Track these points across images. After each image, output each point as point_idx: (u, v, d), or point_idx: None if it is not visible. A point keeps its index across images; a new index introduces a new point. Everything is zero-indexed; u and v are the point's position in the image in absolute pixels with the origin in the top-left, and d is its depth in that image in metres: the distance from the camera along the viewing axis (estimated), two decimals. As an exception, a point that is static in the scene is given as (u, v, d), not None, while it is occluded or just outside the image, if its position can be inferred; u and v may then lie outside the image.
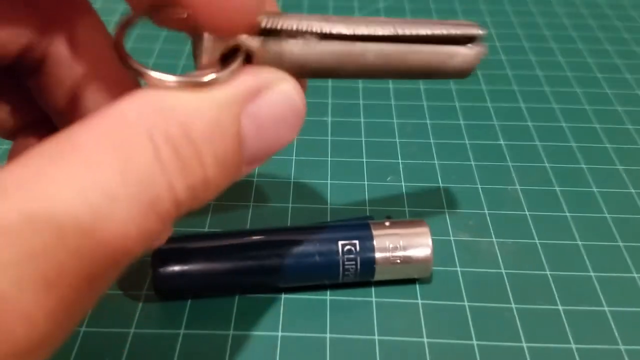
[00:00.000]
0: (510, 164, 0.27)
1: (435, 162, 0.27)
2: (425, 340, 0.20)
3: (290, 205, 0.24)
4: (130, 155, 0.10)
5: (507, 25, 0.37)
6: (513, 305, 0.21)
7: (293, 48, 0.13)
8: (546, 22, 0.38)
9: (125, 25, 0.13)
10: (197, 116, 0.11)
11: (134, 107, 0.11)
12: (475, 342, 0.20)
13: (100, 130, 0.10)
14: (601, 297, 0.21)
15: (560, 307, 0.21)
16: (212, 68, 0.12)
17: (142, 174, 0.10)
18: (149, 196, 0.10)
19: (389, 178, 0.26)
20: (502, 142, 0.28)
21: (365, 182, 0.26)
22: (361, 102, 0.30)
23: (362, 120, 0.29)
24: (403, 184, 0.26)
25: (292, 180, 0.26)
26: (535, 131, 0.29)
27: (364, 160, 0.27)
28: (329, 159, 0.27)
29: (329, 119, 0.29)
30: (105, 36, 0.15)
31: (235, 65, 0.13)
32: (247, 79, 0.12)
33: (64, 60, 0.15)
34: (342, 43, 0.14)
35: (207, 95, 0.12)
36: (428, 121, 0.29)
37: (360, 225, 0.21)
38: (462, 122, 0.29)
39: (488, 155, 0.27)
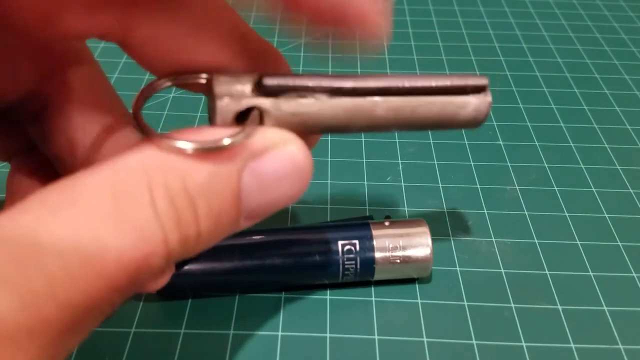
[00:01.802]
0: (509, 164, 0.27)
1: (435, 162, 0.27)
2: (424, 339, 0.20)
3: (290, 205, 0.24)
4: (129, 208, 0.10)
5: (505, 26, 0.37)
6: (512, 305, 0.21)
7: (305, 106, 0.14)
8: (545, 23, 0.38)
9: (145, 92, 0.14)
10: (198, 170, 0.11)
11: (137, 159, 0.11)
12: (474, 342, 0.20)
13: (102, 181, 0.11)
14: (600, 296, 0.21)
15: (559, 307, 0.21)
16: (226, 128, 0.12)
17: (137, 223, 0.10)
18: (142, 247, 0.10)
19: (388, 178, 0.26)
20: (501, 142, 0.28)
21: (365, 182, 0.26)
22: (361, 102, 0.30)
23: (361, 120, 0.29)
24: (403, 184, 0.26)
25: (292, 180, 0.26)
26: (534, 131, 0.29)
27: (364, 160, 0.27)
28: (329, 159, 0.27)
29: (329, 119, 0.29)
30: (106, 85, 0.16)
31: (250, 129, 0.13)
32: (255, 139, 0.13)
33: (65, 108, 0.15)
34: (352, 99, 0.14)
35: (213, 156, 0.12)
36: (427, 121, 0.29)
37: (360, 225, 0.21)
38: (461, 122, 0.29)
39: (487, 156, 0.27)
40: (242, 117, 0.13)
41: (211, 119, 0.13)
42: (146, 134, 0.12)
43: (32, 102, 0.15)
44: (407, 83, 0.14)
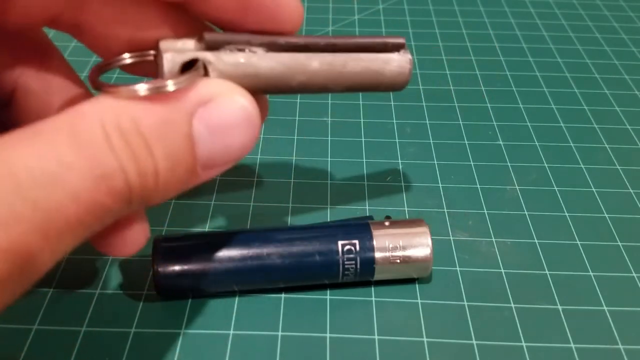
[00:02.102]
0: (509, 164, 0.27)
1: (435, 162, 0.27)
2: (424, 339, 0.20)
3: (290, 205, 0.24)
4: (84, 138, 0.12)
5: (505, 26, 0.37)
6: (512, 305, 0.21)
7: (244, 58, 0.15)
8: (545, 23, 0.38)
9: (101, 65, 0.15)
10: (148, 114, 0.13)
11: (90, 105, 0.12)
12: (474, 342, 0.20)
13: (59, 121, 0.12)
14: (600, 296, 0.21)
15: (559, 307, 0.21)
16: (173, 78, 0.13)
17: (93, 152, 0.12)
18: (99, 170, 0.12)
19: (388, 178, 0.26)
20: (501, 142, 0.28)
21: (365, 182, 0.26)
22: (361, 102, 0.30)
23: (362, 120, 0.29)
24: (403, 184, 0.26)
25: (292, 180, 0.26)
26: (534, 131, 0.29)
27: (364, 160, 0.27)
28: (329, 159, 0.27)
29: (329, 119, 0.29)
30: (74, 74, 0.17)
31: (193, 72, 0.14)
32: (200, 86, 0.14)
33: (32, 92, 0.16)
34: (288, 54, 0.16)
35: (162, 101, 0.13)
36: (427, 121, 0.29)
37: (360, 225, 0.21)
38: (461, 122, 0.29)
39: (487, 156, 0.27)
40: (187, 70, 0.14)
41: (159, 72, 0.15)
42: (100, 87, 0.13)
43: (1, 87, 0.16)
44: (335, 40, 0.16)
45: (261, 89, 0.16)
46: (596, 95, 0.32)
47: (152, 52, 0.15)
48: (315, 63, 0.16)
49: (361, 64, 0.17)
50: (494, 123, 0.29)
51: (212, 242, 0.20)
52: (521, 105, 0.31)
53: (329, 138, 0.28)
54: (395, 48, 0.17)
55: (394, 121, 0.29)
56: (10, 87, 0.16)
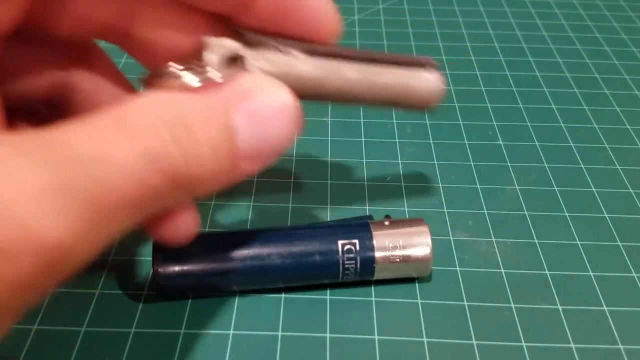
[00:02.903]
0: (509, 164, 0.27)
1: (435, 162, 0.27)
2: (424, 339, 0.20)
3: (290, 205, 0.24)
4: (130, 124, 0.12)
5: (505, 26, 0.37)
6: (512, 305, 0.21)
7: (283, 59, 0.16)
8: (545, 23, 0.38)
9: (153, 75, 0.16)
10: (192, 104, 0.13)
11: (137, 98, 0.13)
12: (474, 342, 0.20)
13: (106, 113, 0.13)
14: (600, 296, 0.21)
15: (559, 307, 0.21)
16: (219, 71, 0.15)
17: (140, 135, 0.12)
18: (149, 151, 0.12)
19: (388, 178, 0.26)
20: (501, 142, 0.28)
21: (365, 182, 0.26)
22: (361, 102, 0.30)
23: (362, 120, 0.29)
24: (403, 184, 0.26)
25: (292, 180, 0.26)
26: (534, 131, 0.29)
27: (364, 160, 0.27)
28: (329, 159, 0.27)
29: (329, 119, 0.29)
30: (117, 72, 0.18)
31: (238, 66, 0.15)
32: (241, 79, 0.15)
33: (82, 91, 0.17)
34: (325, 60, 0.17)
35: (203, 93, 0.14)
36: (427, 121, 0.29)
37: (359, 224, 0.21)
38: (461, 122, 0.29)
39: (487, 156, 0.27)
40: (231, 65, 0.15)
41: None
42: (151, 82, 0.14)
43: (59, 90, 0.17)
44: (371, 52, 0.17)
45: (298, 91, 0.16)
46: (596, 95, 0.32)
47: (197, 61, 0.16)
48: (350, 70, 0.17)
49: (395, 76, 0.18)
50: (494, 123, 0.29)
51: (212, 242, 0.20)
52: (521, 105, 0.31)
53: (329, 138, 0.28)
54: (427, 67, 0.18)
55: (394, 121, 0.29)
56: (61, 87, 0.17)
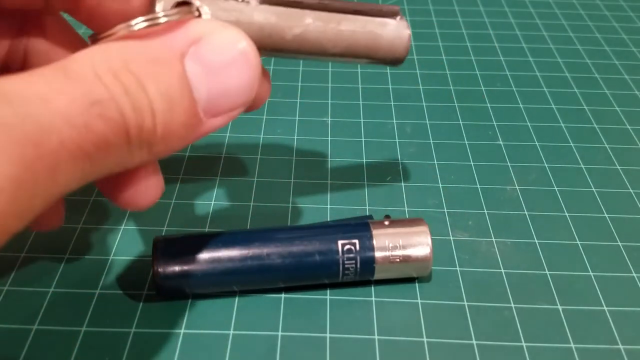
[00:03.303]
0: (509, 164, 0.27)
1: (435, 162, 0.27)
2: (424, 339, 0.20)
3: (290, 205, 0.24)
4: (74, 74, 0.12)
5: (505, 26, 0.37)
6: (512, 305, 0.21)
7: (238, 5, 0.15)
8: (545, 23, 0.38)
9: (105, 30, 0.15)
10: (138, 52, 0.13)
11: (83, 51, 0.13)
12: (474, 342, 0.20)
13: (52, 65, 0.12)
14: (600, 296, 0.21)
15: (559, 307, 0.21)
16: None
17: (83, 83, 0.12)
18: (89, 96, 0.12)
19: (388, 178, 0.26)
20: (501, 142, 0.28)
21: (365, 182, 0.26)
22: (361, 102, 0.30)
23: (362, 120, 0.29)
24: (403, 184, 0.26)
25: (292, 180, 0.26)
26: (534, 131, 0.29)
27: (364, 160, 0.27)
28: (329, 159, 0.27)
29: (329, 119, 0.29)
30: (73, 32, 0.17)
31: (185, 8, 0.14)
32: (191, 25, 0.13)
33: (40, 53, 0.17)
34: (281, 7, 0.16)
35: (151, 39, 0.13)
36: (427, 121, 0.29)
37: (359, 224, 0.21)
38: (461, 122, 0.29)
39: (487, 156, 0.27)
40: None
41: (152, 9, 0.15)
42: (95, 38, 0.13)
43: (14, 55, 0.17)
44: (328, 1, 0.16)
45: (256, 41, 0.15)
46: (596, 95, 0.32)
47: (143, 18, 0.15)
48: (309, 18, 0.16)
49: (357, 23, 0.17)
50: (494, 123, 0.29)
51: (212, 242, 0.20)
52: (521, 105, 0.31)
53: (329, 138, 0.28)
54: (391, 15, 0.17)
55: (394, 121, 0.29)
56: (22, 52, 0.16)
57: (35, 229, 0.17)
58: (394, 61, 0.18)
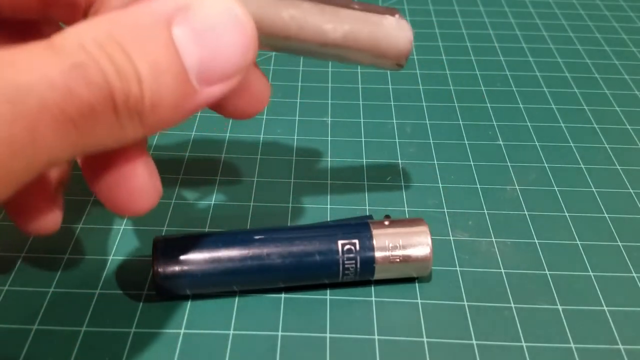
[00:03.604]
0: (509, 164, 0.27)
1: (435, 162, 0.27)
2: (424, 339, 0.20)
3: (290, 205, 0.24)
4: (57, 46, 0.12)
5: (505, 26, 0.37)
6: (512, 305, 0.21)
7: None
8: (545, 23, 0.38)
9: None
10: (122, 23, 0.12)
11: (70, 27, 0.12)
12: (474, 342, 0.20)
13: (39, 42, 0.12)
14: (600, 296, 0.21)
15: (559, 307, 0.21)
16: None
17: (66, 51, 0.12)
18: (72, 60, 0.11)
19: (388, 178, 0.26)
20: (501, 142, 0.28)
21: (365, 182, 0.26)
22: (361, 102, 0.30)
23: (362, 120, 0.29)
24: (403, 184, 0.26)
25: (292, 180, 0.26)
26: (534, 131, 0.29)
27: (364, 160, 0.27)
28: (329, 159, 0.27)
29: (329, 119, 0.29)
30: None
31: None
32: None
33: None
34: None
35: (135, 8, 0.13)
36: (427, 121, 0.29)
37: (359, 224, 0.21)
38: (461, 122, 0.29)
39: (487, 156, 0.27)
40: None
41: None
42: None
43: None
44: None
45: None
46: (596, 95, 0.32)
47: None
48: (306, 4, 0.16)
49: (357, 13, 0.16)
50: (494, 123, 0.29)
51: (212, 242, 0.20)
52: (521, 105, 0.31)
53: (329, 138, 0.28)
54: (390, 13, 0.17)
55: (394, 121, 0.29)
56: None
57: (33, 233, 0.16)
58: (397, 57, 0.17)
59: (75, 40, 0.12)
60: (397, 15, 0.17)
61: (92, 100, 0.12)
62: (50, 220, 0.17)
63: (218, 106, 0.17)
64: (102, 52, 0.12)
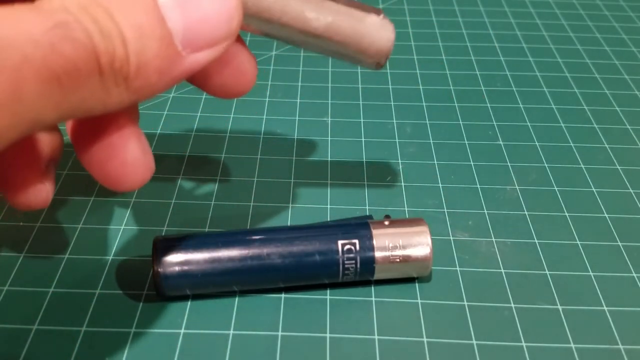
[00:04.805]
0: (509, 164, 0.27)
1: (435, 162, 0.27)
2: (424, 339, 0.20)
3: (290, 205, 0.24)
4: (45, 11, 0.12)
5: (505, 26, 0.37)
6: (512, 305, 0.21)
7: None
8: (545, 23, 0.38)
9: None
10: None
11: None
12: (474, 342, 0.20)
13: (26, 5, 0.12)
14: (600, 296, 0.21)
15: (559, 307, 0.21)
16: None
17: (49, 12, 0.12)
18: (54, 19, 0.11)
19: (388, 178, 0.26)
20: (501, 142, 0.28)
21: (365, 182, 0.26)
22: (361, 102, 0.30)
23: (362, 120, 0.29)
24: (403, 184, 0.26)
25: (292, 180, 0.26)
26: (534, 131, 0.29)
27: (364, 160, 0.27)
28: (329, 159, 0.27)
29: (329, 119, 0.29)
30: None
31: None
32: None
33: None
34: None
35: None
36: (427, 121, 0.29)
37: (359, 224, 0.21)
38: (461, 122, 0.29)
39: (487, 156, 0.27)
40: None
41: None
42: None
43: None
44: None
45: None
46: (596, 95, 0.32)
47: None
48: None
49: (340, 7, 0.17)
50: (494, 123, 0.29)
51: (212, 242, 0.20)
52: (521, 105, 0.31)
53: (329, 138, 0.28)
54: (375, 12, 0.17)
55: (394, 121, 0.29)
56: None
57: (22, 207, 0.16)
58: (377, 55, 0.18)
59: (59, 3, 0.12)
60: (381, 15, 0.17)
61: (75, 58, 0.12)
62: (40, 194, 0.17)
63: (204, 81, 0.17)
64: (85, 13, 0.12)
